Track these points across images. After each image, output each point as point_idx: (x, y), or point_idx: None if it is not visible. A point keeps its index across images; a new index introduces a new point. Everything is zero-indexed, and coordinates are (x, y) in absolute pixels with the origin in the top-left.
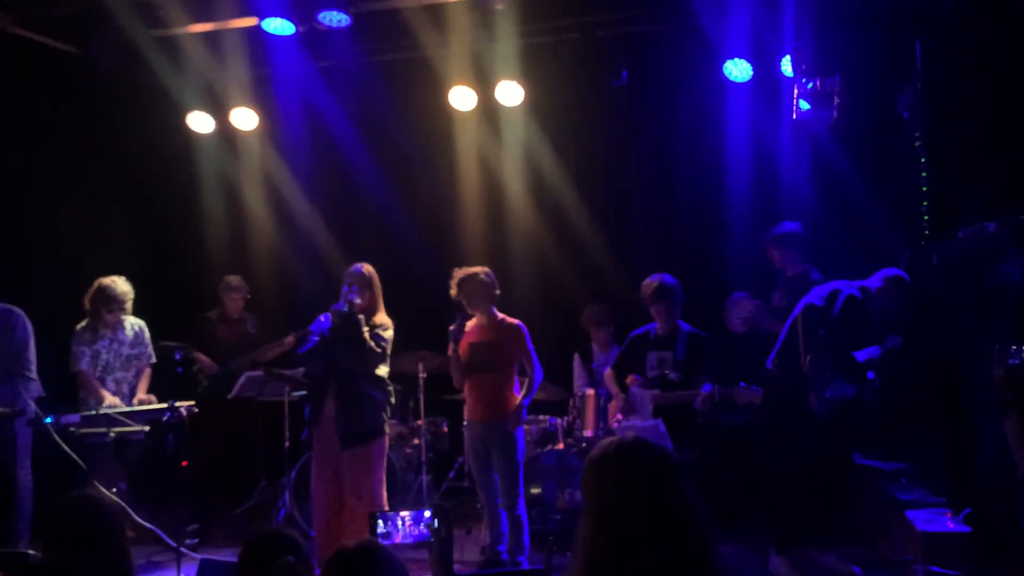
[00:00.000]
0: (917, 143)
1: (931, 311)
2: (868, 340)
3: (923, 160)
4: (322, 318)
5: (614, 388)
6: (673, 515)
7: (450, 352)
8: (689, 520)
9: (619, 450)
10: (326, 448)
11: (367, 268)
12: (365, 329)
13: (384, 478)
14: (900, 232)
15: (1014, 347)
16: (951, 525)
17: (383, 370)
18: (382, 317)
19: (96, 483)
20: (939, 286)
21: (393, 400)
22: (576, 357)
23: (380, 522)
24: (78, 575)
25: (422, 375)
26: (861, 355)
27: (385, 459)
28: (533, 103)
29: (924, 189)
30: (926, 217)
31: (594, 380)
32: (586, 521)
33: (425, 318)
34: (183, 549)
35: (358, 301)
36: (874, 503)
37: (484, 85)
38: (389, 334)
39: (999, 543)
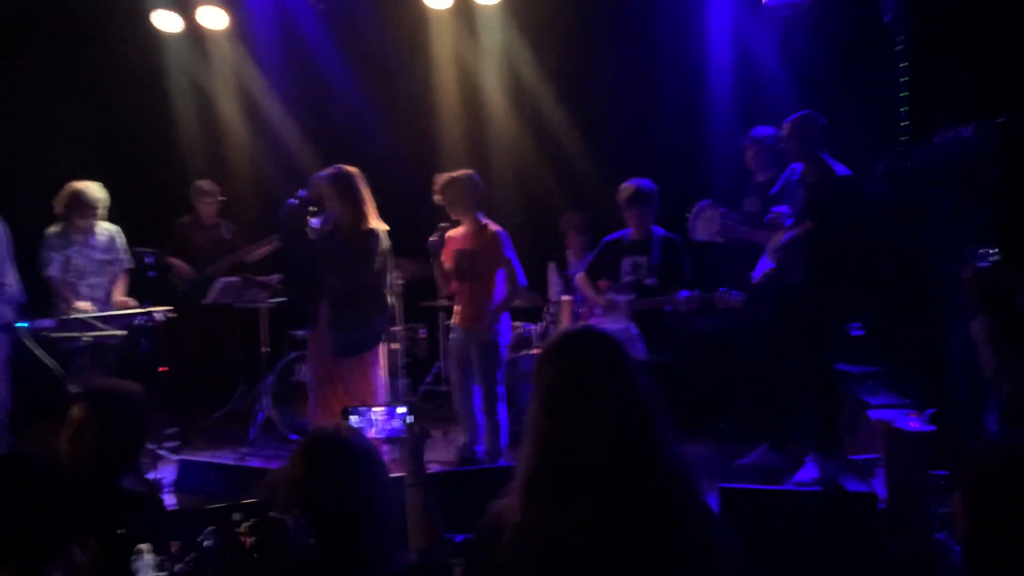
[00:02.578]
0: (899, 47)
1: (905, 216)
2: None
3: (903, 65)
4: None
5: (589, 292)
6: (614, 399)
7: (434, 264)
8: (632, 404)
9: (565, 337)
10: (322, 349)
11: (345, 170)
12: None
13: (382, 378)
14: (879, 137)
15: (983, 250)
16: (914, 424)
17: (388, 295)
18: (370, 224)
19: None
20: (914, 191)
21: (389, 310)
22: (551, 265)
23: (353, 417)
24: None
25: (400, 281)
26: None
27: (380, 363)
28: (510, 2)
29: (903, 95)
30: (904, 123)
31: (570, 287)
32: (534, 406)
33: (403, 225)
34: (162, 452)
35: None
36: (841, 405)
37: None
38: (383, 244)
39: (963, 441)
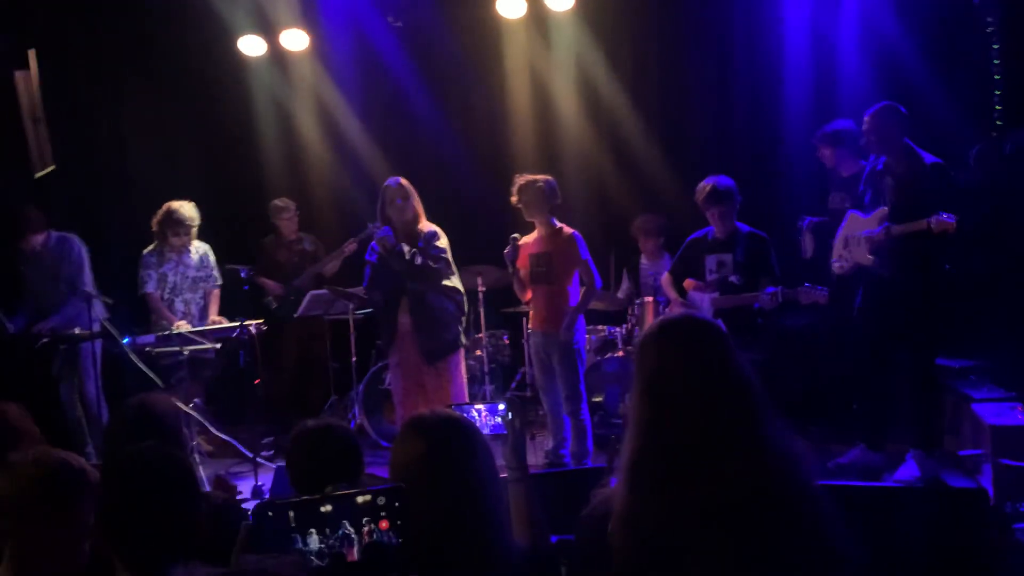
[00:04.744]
0: (989, 29)
1: (1004, 203)
2: None
3: (995, 47)
4: (374, 244)
5: (672, 293)
6: (715, 383)
7: (510, 272)
8: (733, 390)
9: (663, 324)
10: (408, 360)
11: (402, 180)
12: (408, 250)
13: (465, 384)
14: (970, 123)
15: None
16: (1021, 418)
17: (454, 280)
18: (426, 224)
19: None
20: (1012, 177)
21: (466, 309)
22: (623, 270)
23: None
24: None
25: (481, 289)
26: None
27: (463, 367)
28: (584, 8)
29: (997, 77)
30: (998, 107)
31: (639, 289)
32: (635, 391)
33: (482, 233)
34: (259, 459)
35: (394, 242)
36: (942, 400)
37: None
38: (444, 242)
39: None
